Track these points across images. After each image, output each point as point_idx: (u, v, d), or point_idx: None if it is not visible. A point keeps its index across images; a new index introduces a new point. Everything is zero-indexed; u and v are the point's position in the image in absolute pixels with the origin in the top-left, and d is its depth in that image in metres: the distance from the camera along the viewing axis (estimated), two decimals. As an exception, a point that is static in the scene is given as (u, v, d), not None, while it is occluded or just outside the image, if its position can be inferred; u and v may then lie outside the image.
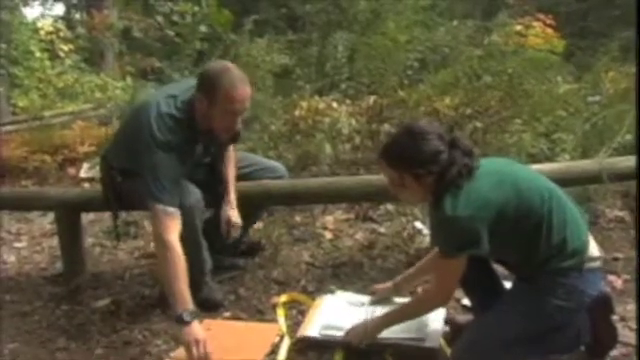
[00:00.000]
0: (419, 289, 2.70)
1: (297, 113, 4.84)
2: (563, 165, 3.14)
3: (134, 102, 4.96)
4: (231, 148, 2.86)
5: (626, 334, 2.28)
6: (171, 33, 9.61)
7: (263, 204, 3.13)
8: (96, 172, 4.20)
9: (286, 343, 2.39)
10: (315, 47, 5.43)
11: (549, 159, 3.61)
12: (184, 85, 2.65)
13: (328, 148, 4.35)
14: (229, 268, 3.01)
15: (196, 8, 8.92)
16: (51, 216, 3.73)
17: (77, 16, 15.43)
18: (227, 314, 2.71)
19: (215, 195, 2.78)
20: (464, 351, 2.05)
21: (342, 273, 3.04)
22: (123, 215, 3.22)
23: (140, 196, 2.48)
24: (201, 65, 5.24)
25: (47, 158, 5.57)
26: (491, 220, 1.91)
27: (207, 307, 2.70)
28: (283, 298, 2.76)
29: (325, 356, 2.30)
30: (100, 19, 11.93)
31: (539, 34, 5.94)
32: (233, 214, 2.78)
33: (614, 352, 2.19)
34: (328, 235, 3.52)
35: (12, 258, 3.64)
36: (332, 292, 2.75)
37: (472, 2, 11.70)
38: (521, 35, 5.44)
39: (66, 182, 5.21)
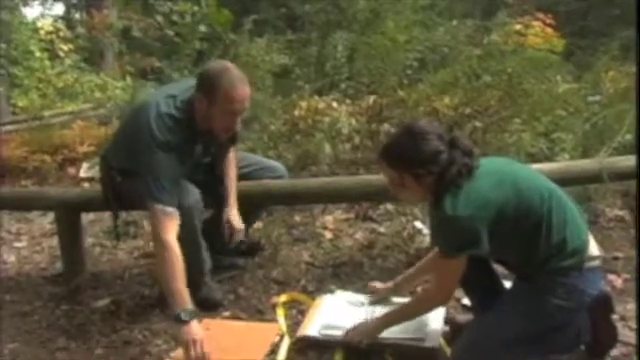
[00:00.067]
0: (419, 289, 2.70)
1: (297, 113, 4.84)
2: (563, 165, 3.14)
3: (134, 102, 4.97)
4: (232, 152, 2.86)
5: (626, 333, 2.28)
6: (171, 33, 9.61)
7: (263, 204, 3.13)
8: (96, 172, 4.20)
9: (286, 343, 2.39)
10: (314, 47, 5.43)
11: (549, 159, 3.61)
12: (184, 85, 2.65)
13: (328, 148, 4.34)
14: (229, 268, 3.01)
15: (196, 8, 8.93)
16: (51, 216, 3.73)
17: (77, 16, 15.43)
18: (227, 314, 2.71)
19: (214, 195, 2.77)
20: (464, 351, 2.05)
21: (342, 273, 3.04)
22: (123, 215, 3.22)
23: (140, 196, 2.48)
24: (201, 65, 5.24)
25: (47, 158, 5.57)
26: (491, 220, 1.91)
27: (206, 307, 2.70)
28: (283, 298, 2.76)
29: (325, 356, 2.30)
30: (100, 19, 11.93)
31: (539, 33, 5.94)
32: (235, 218, 2.78)
33: (614, 352, 2.19)
34: (328, 235, 3.52)
35: (12, 258, 3.64)
36: (332, 292, 2.75)
37: (471, 2, 11.69)
38: (521, 34, 5.43)
39: (66, 182, 5.21)
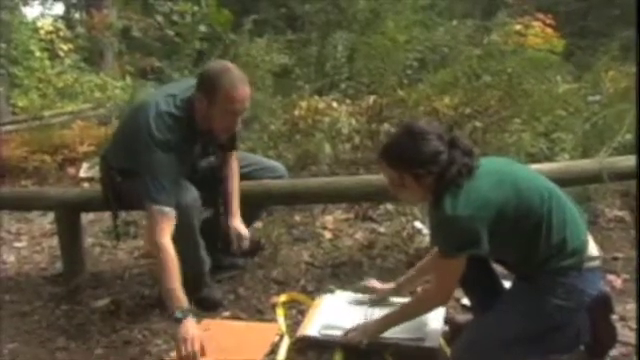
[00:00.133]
0: (419, 289, 2.70)
1: (297, 113, 4.84)
2: (563, 165, 3.14)
3: (133, 102, 4.96)
4: (234, 161, 2.85)
5: (626, 334, 2.28)
6: (171, 33, 9.59)
7: (263, 204, 3.13)
8: (96, 172, 4.20)
9: (286, 343, 2.39)
10: (314, 47, 5.42)
11: (549, 159, 3.61)
12: (184, 85, 2.65)
13: (328, 148, 4.34)
14: (228, 268, 3.01)
15: (196, 8, 8.91)
16: (51, 216, 3.73)
17: (77, 16, 15.43)
18: (226, 314, 2.71)
19: (214, 195, 2.78)
20: (464, 351, 2.05)
21: (342, 273, 3.04)
22: (123, 215, 3.22)
23: (139, 196, 2.49)
24: (201, 65, 5.23)
25: (47, 158, 5.57)
26: (491, 220, 1.91)
27: (206, 307, 2.71)
28: (283, 298, 2.76)
29: (324, 356, 2.30)
30: (100, 19, 11.93)
31: (539, 34, 5.93)
32: (240, 226, 2.77)
33: (614, 352, 2.19)
34: (328, 235, 3.53)
35: (12, 258, 3.64)
36: (332, 292, 2.75)
37: (471, 2, 11.68)
38: (521, 35, 5.43)
39: (66, 182, 5.21)
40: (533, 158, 3.59)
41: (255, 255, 3.20)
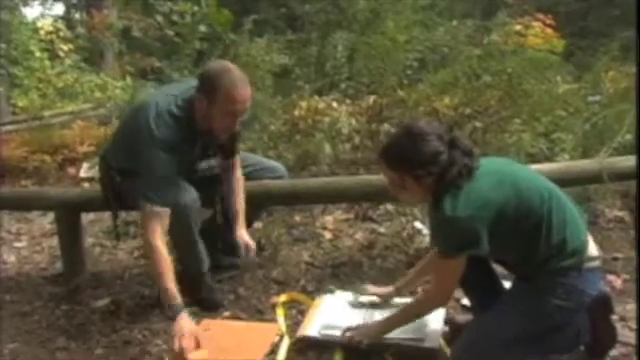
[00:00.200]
0: (419, 289, 2.71)
1: (297, 113, 4.84)
2: (563, 165, 3.14)
3: (133, 102, 4.96)
4: (239, 168, 2.83)
5: (626, 334, 2.28)
6: (171, 33, 9.60)
7: (263, 204, 3.13)
8: (96, 172, 4.19)
9: (286, 343, 2.39)
10: (314, 47, 5.42)
11: (549, 159, 3.61)
12: (184, 85, 2.65)
13: (328, 148, 4.34)
14: (228, 267, 3.01)
15: (196, 8, 8.92)
16: (51, 216, 3.73)
17: (77, 16, 15.44)
18: (227, 314, 2.72)
19: (212, 195, 2.78)
20: (464, 351, 2.06)
21: (342, 273, 3.04)
22: (123, 215, 3.22)
23: (137, 195, 2.49)
24: (201, 65, 5.23)
25: (47, 158, 5.57)
26: (491, 220, 1.91)
27: (206, 307, 2.71)
28: (283, 298, 2.76)
29: (324, 356, 2.30)
30: (100, 19, 11.94)
31: (539, 34, 5.93)
32: (247, 237, 2.77)
33: (614, 352, 2.19)
34: (328, 235, 3.53)
35: (12, 258, 3.64)
36: (332, 292, 2.75)
37: (471, 2, 11.69)
38: (521, 35, 5.43)
39: (66, 182, 5.21)
40: (533, 158, 3.59)
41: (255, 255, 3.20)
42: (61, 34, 12.82)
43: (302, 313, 2.63)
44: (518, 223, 1.95)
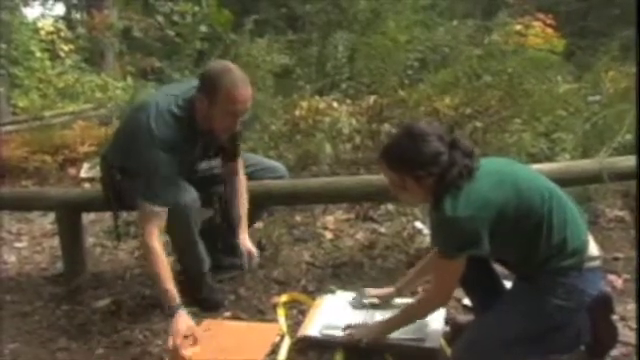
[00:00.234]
0: (420, 289, 2.71)
1: (297, 113, 4.84)
2: (563, 165, 3.14)
3: (134, 102, 4.96)
4: (242, 173, 2.82)
5: (626, 334, 2.28)
6: (171, 33, 9.61)
7: (264, 204, 3.13)
8: (96, 172, 4.20)
9: (286, 343, 2.39)
10: (315, 47, 5.42)
11: (549, 159, 3.61)
12: (185, 85, 2.65)
13: (328, 148, 4.34)
14: (229, 268, 3.01)
15: (196, 8, 8.92)
16: (52, 216, 3.73)
17: (77, 16, 15.45)
18: (227, 314, 2.72)
19: (211, 196, 2.78)
20: (464, 351, 2.06)
21: (342, 273, 3.04)
22: (124, 215, 3.22)
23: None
24: (201, 65, 5.23)
25: (47, 158, 5.57)
26: (491, 220, 1.91)
27: (207, 307, 2.71)
28: (283, 298, 2.76)
29: (325, 356, 2.30)
30: (100, 19, 11.95)
31: (539, 34, 5.94)
32: (250, 244, 2.75)
33: (614, 352, 2.19)
34: (328, 235, 3.53)
35: (13, 258, 3.64)
36: (332, 292, 2.75)
37: (472, 2, 11.69)
38: (521, 35, 5.43)
39: (66, 182, 5.22)
40: (534, 158, 3.59)
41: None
42: (62, 34, 12.84)
43: (303, 313, 2.63)
44: (518, 223, 1.95)
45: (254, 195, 2.89)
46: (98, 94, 8.88)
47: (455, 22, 5.59)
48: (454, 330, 2.36)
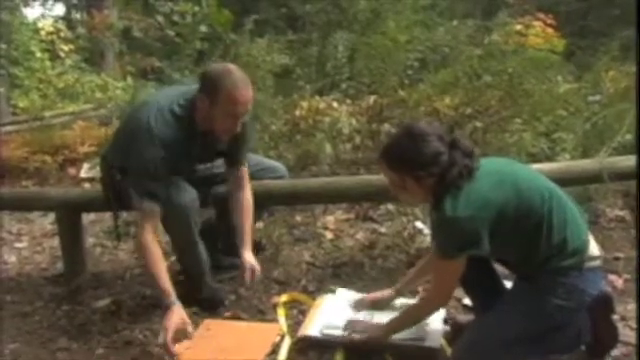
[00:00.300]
0: (420, 289, 2.71)
1: (297, 113, 4.84)
2: (563, 164, 3.14)
3: (134, 102, 4.97)
4: (247, 184, 2.78)
5: (627, 333, 2.28)
6: (171, 33, 9.63)
7: (264, 204, 3.12)
8: (96, 172, 4.20)
9: (287, 343, 2.39)
10: (315, 47, 5.42)
11: (549, 158, 3.61)
12: (186, 87, 2.65)
13: (328, 148, 4.35)
14: (229, 268, 3.01)
15: (196, 8, 8.94)
16: (52, 216, 3.73)
17: (77, 16, 15.45)
18: (228, 314, 2.71)
19: (214, 195, 2.77)
20: (464, 351, 2.06)
21: (343, 273, 3.04)
22: (124, 215, 3.22)
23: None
24: (201, 65, 5.24)
25: (48, 158, 5.57)
26: (491, 220, 1.91)
27: (207, 307, 2.71)
28: (284, 298, 2.76)
29: (325, 356, 2.30)
30: (100, 19, 11.95)
31: (539, 33, 5.94)
32: (253, 260, 2.70)
33: (615, 352, 2.19)
34: (329, 235, 3.53)
35: (13, 258, 3.64)
36: (333, 292, 2.75)
37: (472, 1, 11.70)
38: (521, 34, 5.43)
39: (67, 182, 5.21)
40: (534, 158, 3.59)
41: (256, 255, 3.19)
42: (62, 34, 12.83)
43: (303, 313, 2.63)
44: (519, 223, 1.95)
45: (254, 195, 2.88)
46: (98, 94, 8.88)
47: (455, 22, 5.60)
48: (454, 330, 2.36)
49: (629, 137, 3.42)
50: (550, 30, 6.21)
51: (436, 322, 2.34)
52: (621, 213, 3.52)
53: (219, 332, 2.49)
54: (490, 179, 1.97)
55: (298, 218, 3.72)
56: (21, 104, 10.05)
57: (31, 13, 18.52)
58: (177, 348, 2.28)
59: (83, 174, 5.22)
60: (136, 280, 3.13)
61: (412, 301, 2.51)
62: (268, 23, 9.52)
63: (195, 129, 2.53)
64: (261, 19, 7.18)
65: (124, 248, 3.58)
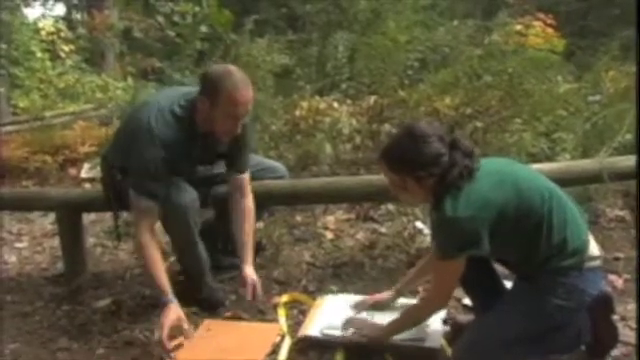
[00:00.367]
0: (420, 288, 2.71)
1: (298, 113, 4.84)
2: (563, 164, 3.14)
3: (135, 102, 4.97)
4: (249, 202, 2.77)
5: (627, 333, 2.28)
6: (172, 33, 9.64)
7: (264, 204, 3.12)
8: (97, 172, 4.20)
9: (287, 343, 2.39)
10: (315, 47, 5.42)
11: (549, 159, 3.61)
12: (187, 88, 2.66)
13: (329, 148, 4.35)
14: (229, 268, 3.01)
15: (197, 8, 8.95)
16: (52, 216, 3.73)
17: (78, 16, 15.46)
18: (228, 314, 2.71)
19: (214, 196, 2.77)
20: (465, 351, 2.06)
21: (343, 273, 3.04)
22: (124, 215, 3.22)
23: None
24: (202, 65, 5.24)
25: (48, 158, 5.57)
26: (492, 220, 1.91)
27: (208, 307, 2.71)
28: (284, 298, 2.76)
29: (326, 356, 2.30)
30: (101, 19, 11.97)
31: (539, 33, 5.94)
32: (254, 275, 2.69)
33: (615, 352, 2.19)
34: (329, 235, 3.53)
35: (13, 258, 3.64)
36: (333, 292, 2.75)
37: (472, 2, 11.70)
38: (521, 35, 5.43)
39: (67, 182, 5.22)
40: (534, 158, 3.59)
41: (256, 256, 3.19)
42: (62, 35, 12.83)
43: (303, 313, 2.64)
44: (519, 223, 1.95)
45: (254, 195, 2.89)
46: (98, 94, 8.89)
47: (455, 22, 5.59)
48: (455, 330, 2.36)
49: (629, 137, 3.42)
50: (550, 30, 6.21)
51: (436, 322, 2.34)
52: (621, 213, 3.52)
53: (219, 332, 2.49)
54: (490, 179, 1.97)
55: (298, 218, 3.72)
56: (21, 104, 10.06)
57: (31, 13, 18.54)
58: (178, 354, 2.29)
59: (83, 174, 5.22)
60: (136, 280, 3.13)
61: (412, 301, 2.51)
62: (268, 23, 9.52)
63: (196, 130, 2.53)
64: (261, 19, 7.18)
65: (124, 248, 3.58)
